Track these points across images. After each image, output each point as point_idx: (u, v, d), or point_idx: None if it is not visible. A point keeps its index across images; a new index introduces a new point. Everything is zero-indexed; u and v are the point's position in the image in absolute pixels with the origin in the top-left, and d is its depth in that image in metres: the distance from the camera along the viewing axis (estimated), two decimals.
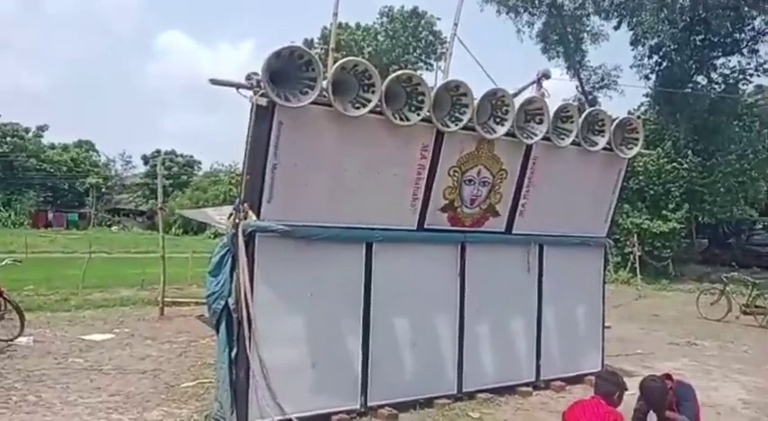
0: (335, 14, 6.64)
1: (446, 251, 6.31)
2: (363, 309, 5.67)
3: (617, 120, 6.96)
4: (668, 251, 20.84)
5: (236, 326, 5.06)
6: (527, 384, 6.76)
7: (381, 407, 5.67)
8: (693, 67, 21.90)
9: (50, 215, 55.22)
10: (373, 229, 5.70)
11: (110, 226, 56.65)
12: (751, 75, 22.17)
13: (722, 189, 21.23)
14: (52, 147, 61.51)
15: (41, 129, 63.25)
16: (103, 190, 61.43)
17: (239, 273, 4.96)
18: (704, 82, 22.31)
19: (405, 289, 5.95)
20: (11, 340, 8.24)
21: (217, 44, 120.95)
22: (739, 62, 22.09)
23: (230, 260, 5.09)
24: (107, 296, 13.20)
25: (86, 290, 13.49)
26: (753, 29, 21.52)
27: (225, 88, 4.96)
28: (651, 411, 4.54)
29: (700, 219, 22.67)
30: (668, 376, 4.69)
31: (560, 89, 26.17)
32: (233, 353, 5.06)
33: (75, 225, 53.76)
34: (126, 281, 15.41)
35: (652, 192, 21.29)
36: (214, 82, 4.93)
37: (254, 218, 5.01)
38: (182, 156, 65.02)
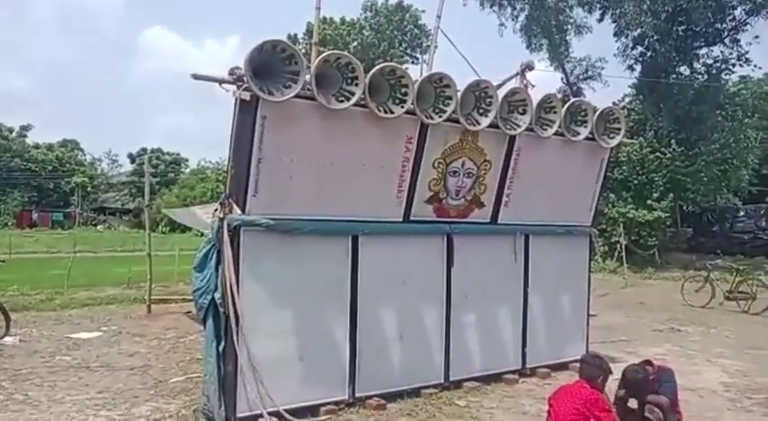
0: (318, 9, 6.64)
1: (432, 242, 6.35)
2: (350, 301, 5.70)
3: (599, 111, 7.03)
4: (654, 240, 21.10)
5: (223, 320, 5.07)
6: (513, 372, 6.84)
7: (369, 397, 5.71)
8: (676, 57, 22.11)
9: (35, 215, 54.72)
10: (359, 222, 5.73)
11: (95, 225, 56.23)
12: (733, 64, 22.43)
13: (705, 178, 21.51)
14: (37, 146, 60.91)
15: (25, 128, 62.64)
16: (89, 189, 60.96)
17: (225, 268, 4.97)
18: (687, 72, 22.56)
19: (391, 280, 5.99)
20: None
21: (202, 40, 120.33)
22: (721, 52, 22.39)
23: (215, 255, 5.10)
24: (93, 295, 13.13)
25: (72, 289, 13.41)
26: (734, 19, 21.78)
27: (212, 85, 4.95)
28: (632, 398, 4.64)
29: (684, 207, 22.99)
30: (649, 362, 4.78)
31: (546, 80, 26.32)
32: (220, 347, 5.07)
33: (61, 224, 53.30)
34: (112, 279, 15.33)
35: (636, 181, 21.52)
36: (197, 77, 4.92)
37: (238, 212, 5.02)
38: (168, 153, 64.68)
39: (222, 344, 5.09)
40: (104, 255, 24.53)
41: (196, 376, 6.56)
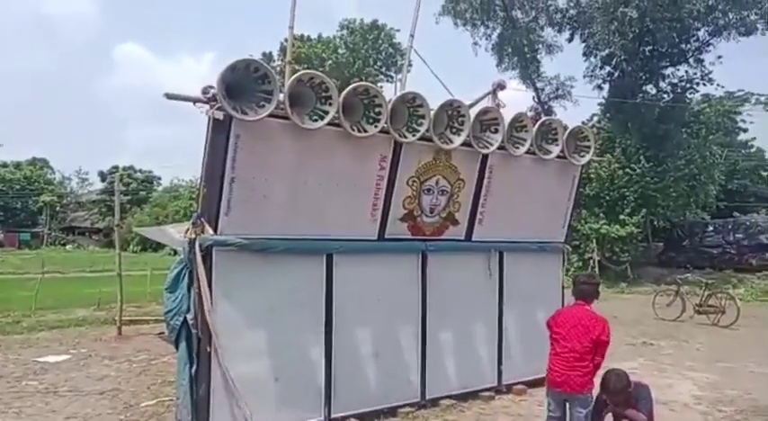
0: (291, 28, 6.69)
1: (407, 260, 6.36)
2: (325, 321, 5.67)
3: (569, 129, 7.17)
4: (626, 255, 21.47)
5: (195, 341, 4.99)
6: (489, 389, 6.86)
7: (345, 417, 5.67)
8: (643, 76, 22.76)
9: (1, 235, 53.30)
10: (334, 240, 5.72)
11: (64, 245, 54.96)
12: (697, 84, 23.18)
13: (674, 193, 22.03)
14: (4, 165, 59.60)
15: None
16: (58, 208, 59.71)
17: (198, 288, 4.90)
18: (653, 91, 23.19)
19: (366, 299, 5.98)
20: None
21: (177, 56, 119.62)
22: (686, 72, 23.10)
23: (187, 275, 5.03)
24: (62, 317, 12.80)
25: (40, 311, 13.07)
26: (698, 40, 22.51)
27: (186, 102, 4.92)
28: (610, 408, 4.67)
29: (655, 222, 23.44)
30: (627, 378, 4.81)
31: (518, 99, 26.78)
32: (193, 370, 4.99)
33: (28, 245, 52.01)
34: (82, 301, 14.95)
35: (608, 197, 21.93)
36: (170, 96, 4.88)
37: (211, 231, 4.97)
38: (140, 171, 63.77)
39: (195, 366, 5.01)
40: (74, 276, 23.94)
41: (168, 400, 6.42)
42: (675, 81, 23.16)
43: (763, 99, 29.68)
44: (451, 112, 6.09)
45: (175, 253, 5.40)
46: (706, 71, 22.86)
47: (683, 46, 22.43)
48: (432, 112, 5.84)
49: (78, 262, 32.02)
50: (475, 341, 6.88)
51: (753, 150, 33.34)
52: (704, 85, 23.31)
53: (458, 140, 6.10)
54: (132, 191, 58.11)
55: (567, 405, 4.63)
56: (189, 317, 4.97)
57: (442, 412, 6.21)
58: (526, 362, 7.26)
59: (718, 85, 23.49)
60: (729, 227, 23.61)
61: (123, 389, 7.18)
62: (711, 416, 6.30)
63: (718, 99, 26.15)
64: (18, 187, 57.43)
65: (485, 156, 6.52)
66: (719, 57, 22.68)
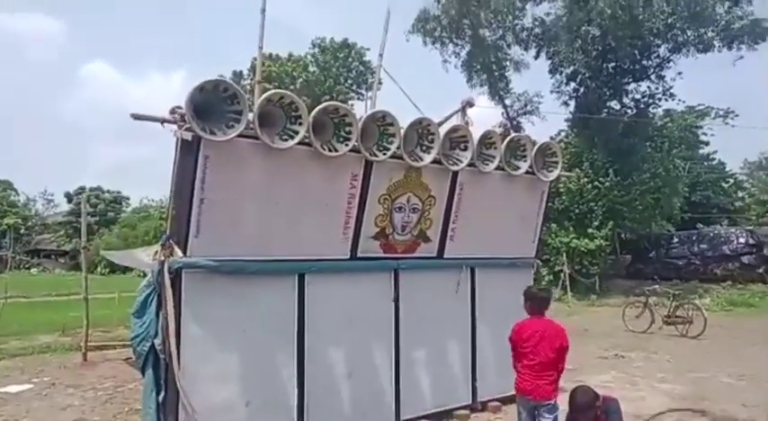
0: (260, 48, 6.68)
1: (380, 278, 6.34)
2: (297, 342, 5.59)
3: (537, 145, 7.28)
4: (596, 268, 21.80)
5: (163, 368, 4.87)
6: (464, 407, 6.84)
7: None
8: (607, 92, 23.36)
9: None
10: (305, 260, 5.67)
11: (29, 268, 53.33)
12: (659, 99, 23.90)
13: (640, 206, 22.52)
14: None
15: None
16: (23, 231, 57.97)
17: (166, 313, 4.79)
18: (617, 106, 23.80)
19: (339, 319, 5.92)
20: None
21: (145, 75, 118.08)
22: (648, 87, 23.79)
23: (156, 299, 4.92)
24: (25, 344, 12.33)
25: (2, 338, 12.58)
26: (658, 56, 23.22)
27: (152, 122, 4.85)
28: None
29: (622, 235, 23.91)
30: (594, 393, 4.84)
31: (488, 116, 27.18)
32: (161, 397, 4.85)
33: None
34: (46, 326, 14.46)
35: (577, 210, 22.30)
36: (137, 117, 4.81)
37: (180, 254, 4.88)
38: (108, 192, 62.48)
39: (163, 393, 4.87)
40: (38, 300, 23.20)
41: None
42: (638, 96, 23.85)
43: (722, 113, 30.76)
44: (421, 130, 6.13)
45: (145, 275, 5.30)
46: (667, 87, 23.63)
47: (645, 62, 23.13)
48: (402, 131, 5.87)
49: (44, 285, 31.05)
50: (449, 359, 6.87)
51: (714, 163, 34.37)
52: (666, 100, 24.10)
53: (428, 158, 6.13)
54: (100, 212, 56.92)
55: (536, 412, 4.79)
56: (157, 342, 4.85)
57: None
58: (500, 378, 7.23)
59: (679, 100, 24.35)
60: (694, 238, 24.22)
61: (88, 418, 6.94)
62: None
63: (679, 114, 27.02)
64: None
65: (455, 174, 6.57)
66: (680, 73, 23.49)
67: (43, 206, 65.58)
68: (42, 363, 10.46)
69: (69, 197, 59.89)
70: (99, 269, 41.54)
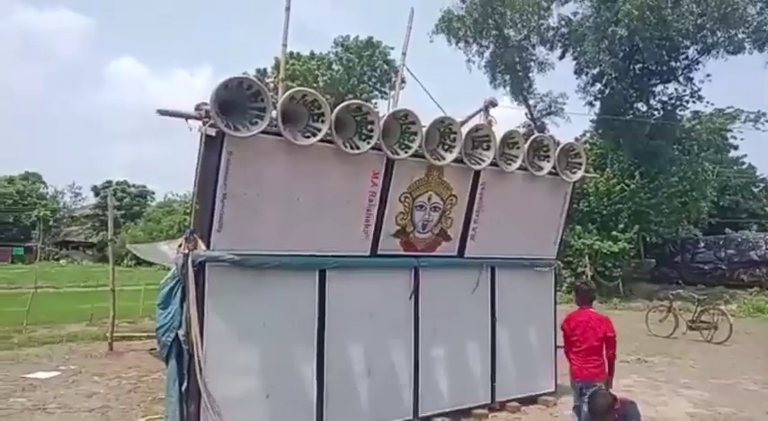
0: (284, 45, 6.75)
1: (399, 276, 6.37)
2: (317, 337, 5.65)
3: (561, 146, 7.24)
4: (619, 271, 21.51)
5: (186, 358, 4.97)
6: (483, 406, 6.83)
7: None
8: (633, 94, 23.02)
9: None
10: (326, 257, 5.73)
11: (58, 259, 54.60)
12: (687, 101, 23.48)
13: (667, 210, 22.17)
14: None
15: None
16: (51, 222, 59.35)
17: (189, 305, 4.89)
18: (644, 108, 23.44)
19: (359, 315, 5.97)
20: None
21: (171, 72, 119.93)
22: (676, 89, 23.41)
23: (180, 291, 5.02)
24: (53, 332, 12.68)
25: (31, 326, 12.94)
26: (687, 58, 22.83)
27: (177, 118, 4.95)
28: None
29: (647, 239, 23.54)
30: (613, 397, 4.80)
31: (511, 116, 27.00)
32: (183, 387, 4.95)
33: (21, 259, 51.64)
34: (74, 316, 14.84)
35: (603, 213, 22.00)
36: (162, 113, 4.91)
37: (203, 247, 4.98)
38: (134, 186, 63.66)
39: (185, 383, 4.97)
40: (67, 291, 23.77)
41: (158, 417, 6.36)
42: (665, 98, 23.48)
43: (752, 116, 30.07)
44: (443, 129, 6.15)
45: (169, 268, 5.42)
46: (695, 89, 23.23)
47: (673, 64, 22.76)
48: (424, 129, 5.89)
49: (72, 276, 31.83)
50: (468, 358, 6.87)
51: (744, 167, 33.66)
52: (694, 102, 23.68)
53: (450, 157, 6.14)
54: (126, 205, 57.99)
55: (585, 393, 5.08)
56: (180, 333, 4.95)
57: None
58: (519, 379, 7.26)
59: (707, 102, 23.86)
60: (721, 243, 23.76)
61: (113, 406, 7.11)
62: None
63: (708, 116, 26.48)
64: (11, 202, 57.19)
65: (477, 173, 6.56)
66: (708, 75, 23.08)
67: (71, 199, 67.10)
68: (69, 352, 10.74)
69: (96, 190, 61.14)
70: (125, 261, 42.26)
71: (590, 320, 5.47)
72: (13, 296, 18.62)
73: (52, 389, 7.95)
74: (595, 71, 23.14)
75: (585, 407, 4.70)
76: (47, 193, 64.25)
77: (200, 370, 4.85)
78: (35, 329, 12.86)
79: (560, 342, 8.20)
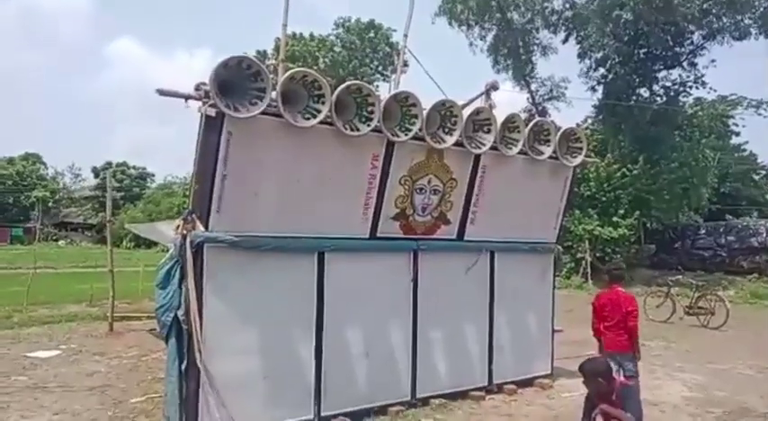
0: (285, 25, 6.69)
1: (399, 259, 6.38)
2: (316, 319, 5.68)
3: (561, 130, 7.20)
4: (618, 256, 21.52)
5: (186, 338, 4.99)
6: (480, 388, 6.87)
7: (335, 416, 5.68)
8: (637, 79, 22.83)
9: None
10: (325, 238, 5.73)
11: (57, 240, 54.72)
12: (690, 87, 23.27)
13: (667, 196, 22.13)
14: None
15: None
16: (50, 204, 59.36)
17: (188, 285, 4.90)
18: (647, 94, 23.26)
19: (358, 297, 5.98)
20: None
21: (172, 52, 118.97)
22: (680, 75, 23.19)
23: (178, 271, 5.02)
24: (53, 312, 12.75)
25: (31, 306, 13.00)
26: (692, 43, 22.63)
27: (180, 99, 4.91)
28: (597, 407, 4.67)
29: (648, 224, 23.54)
30: (607, 370, 4.82)
31: (513, 101, 26.86)
32: (183, 366, 4.98)
33: (20, 240, 51.78)
34: (73, 296, 14.91)
35: (603, 198, 21.97)
36: (162, 93, 4.88)
37: (202, 228, 4.97)
38: (134, 168, 63.58)
39: (185, 362, 5.00)
40: (66, 271, 23.83)
41: (158, 396, 6.41)
42: (668, 84, 23.29)
43: (754, 103, 29.84)
44: (444, 112, 6.11)
45: (169, 249, 5.43)
46: (699, 74, 23.00)
47: (677, 49, 22.56)
48: (424, 112, 5.85)
49: (71, 257, 31.91)
50: (466, 340, 6.90)
51: (745, 154, 33.56)
52: (697, 88, 23.45)
53: (450, 140, 6.12)
54: (125, 187, 57.98)
55: (619, 364, 5.68)
56: (180, 313, 4.96)
57: (433, 411, 6.23)
58: (517, 361, 7.31)
59: (710, 88, 23.66)
60: (721, 230, 23.74)
61: (113, 385, 7.16)
62: (701, 418, 6.34)
63: (710, 102, 26.30)
64: (10, 182, 57.17)
65: (477, 157, 6.54)
66: (713, 60, 22.88)
67: (71, 180, 67.06)
68: (70, 331, 10.80)
69: (96, 172, 61.07)
70: (124, 243, 42.40)
71: (618, 298, 6.03)
72: (13, 276, 18.70)
73: (53, 367, 8.01)
74: (599, 55, 22.94)
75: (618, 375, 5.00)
76: (47, 174, 64.18)
77: (200, 350, 4.88)
78: (35, 309, 12.92)
79: (559, 326, 8.37)
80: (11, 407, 6.21)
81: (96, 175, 60.88)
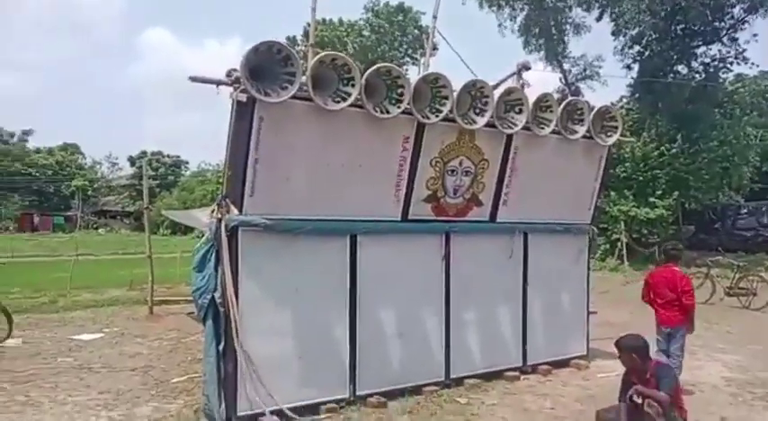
0: (314, 9, 6.69)
1: (431, 241, 6.37)
2: (349, 300, 5.73)
3: (595, 109, 7.05)
4: (655, 237, 21.06)
5: (222, 320, 5.11)
6: (514, 369, 6.86)
7: (370, 395, 5.75)
8: (674, 56, 22.09)
9: (36, 219, 54.85)
10: (357, 221, 5.76)
11: (96, 228, 56.33)
12: (731, 63, 22.40)
13: (707, 175, 21.48)
14: (37, 151, 61.21)
15: (26, 133, 63.04)
16: (89, 192, 61.10)
17: (223, 268, 5.00)
18: (685, 71, 22.51)
19: (390, 279, 6.02)
20: None
21: (202, 41, 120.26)
22: (719, 51, 22.34)
23: (214, 255, 5.14)
24: (96, 297, 13.19)
25: (75, 291, 13.47)
26: (732, 17, 21.75)
27: (212, 86, 4.98)
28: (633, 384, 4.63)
29: (686, 205, 22.95)
30: (644, 346, 4.77)
31: (545, 80, 26.36)
32: (220, 347, 5.11)
33: (62, 228, 53.42)
34: (114, 282, 15.38)
35: (640, 178, 21.45)
36: (194, 79, 4.95)
37: (236, 212, 5.05)
38: (168, 156, 64.80)
39: (222, 343, 5.13)
40: (106, 258, 24.53)
41: (197, 376, 6.59)
42: (708, 60, 22.44)
43: None
44: (475, 93, 6.04)
45: (203, 235, 5.57)
46: (740, 50, 22.11)
47: (717, 24, 21.70)
48: (455, 93, 5.80)
49: (111, 245, 32.83)
50: (499, 321, 6.89)
51: None
52: (738, 64, 22.53)
53: (481, 121, 6.05)
54: (161, 175, 59.17)
55: (670, 338, 6.25)
56: (216, 295, 5.08)
57: (467, 391, 6.25)
58: (551, 342, 7.27)
59: (752, 63, 22.74)
60: (764, 209, 23.04)
61: (154, 365, 7.39)
62: (741, 397, 6.22)
63: (752, 78, 25.31)
64: (51, 172, 58.92)
65: (509, 137, 6.46)
66: (755, 35, 21.95)
67: (108, 169, 68.73)
68: (112, 315, 11.17)
69: (132, 161, 62.46)
70: (161, 230, 43.43)
71: (673, 276, 6.32)
72: (57, 263, 19.35)
73: (97, 349, 8.30)
74: (634, 32, 22.24)
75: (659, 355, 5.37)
76: (85, 164, 65.93)
77: (236, 331, 5.00)
78: (78, 294, 13.38)
79: (594, 307, 8.28)
80: (59, 387, 6.47)
81: (132, 164, 62.30)
